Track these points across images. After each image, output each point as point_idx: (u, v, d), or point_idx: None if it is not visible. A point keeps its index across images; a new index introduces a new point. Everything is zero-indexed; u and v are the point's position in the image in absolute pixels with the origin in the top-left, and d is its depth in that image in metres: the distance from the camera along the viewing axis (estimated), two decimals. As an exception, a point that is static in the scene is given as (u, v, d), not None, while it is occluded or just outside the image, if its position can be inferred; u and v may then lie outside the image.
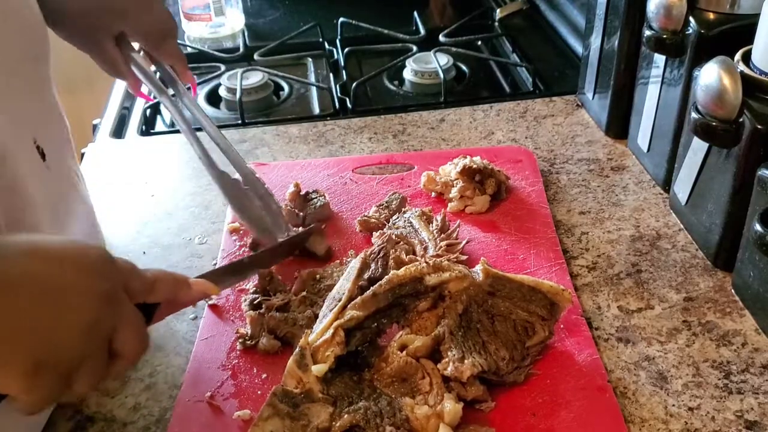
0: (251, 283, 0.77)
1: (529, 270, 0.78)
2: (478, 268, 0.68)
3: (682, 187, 0.84)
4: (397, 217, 0.84)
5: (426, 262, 0.66)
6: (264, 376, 0.68)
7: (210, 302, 0.76)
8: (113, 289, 0.48)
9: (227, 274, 0.70)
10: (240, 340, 0.71)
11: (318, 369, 0.60)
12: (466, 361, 0.62)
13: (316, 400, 0.59)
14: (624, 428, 0.62)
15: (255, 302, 0.74)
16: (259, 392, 0.66)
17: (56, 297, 0.44)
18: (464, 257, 0.79)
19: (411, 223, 0.82)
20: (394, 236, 0.79)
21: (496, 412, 0.63)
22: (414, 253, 0.78)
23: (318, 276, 0.76)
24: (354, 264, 0.68)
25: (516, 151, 0.98)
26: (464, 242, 0.81)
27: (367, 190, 0.92)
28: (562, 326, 0.71)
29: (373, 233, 0.82)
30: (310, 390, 0.60)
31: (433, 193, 0.91)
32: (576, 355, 0.69)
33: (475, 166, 0.88)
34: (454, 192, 0.88)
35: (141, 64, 0.83)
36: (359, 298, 0.64)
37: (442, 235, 0.80)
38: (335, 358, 0.61)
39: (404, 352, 0.63)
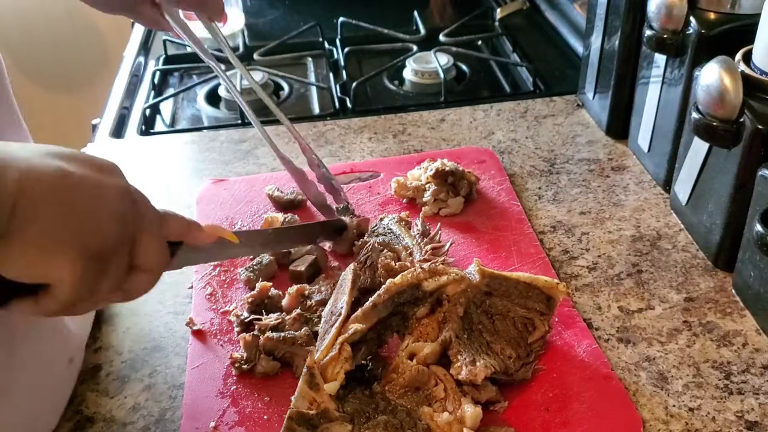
0: (237, 303, 0.75)
1: (514, 266, 0.79)
2: (472, 269, 0.68)
3: (682, 187, 0.83)
4: (376, 225, 0.83)
5: (422, 268, 0.65)
6: (267, 399, 0.66)
7: (195, 328, 0.73)
8: (134, 191, 0.51)
9: (248, 239, 0.67)
10: (235, 365, 0.68)
11: (330, 387, 0.59)
12: (478, 363, 0.62)
13: (334, 419, 0.58)
14: (635, 413, 0.63)
15: (246, 320, 0.72)
16: (265, 417, 0.64)
17: (94, 191, 0.48)
18: (451, 260, 0.79)
19: (391, 229, 0.81)
20: (376, 244, 0.77)
21: (510, 411, 0.64)
22: (400, 260, 0.76)
23: (306, 292, 0.74)
24: (346, 276, 0.68)
25: (478, 152, 0.98)
26: (449, 244, 0.80)
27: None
28: (557, 320, 0.71)
29: (354, 243, 0.80)
30: (326, 409, 0.58)
31: (404, 199, 0.90)
32: (576, 346, 0.69)
33: (447, 168, 0.87)
34: (427, 196, 0.88)
35: (181, 22, 0.84)
36: (359, 310, 0.63)
37: (426, 239, 0.79)
38: (345, 374, 0.60)
39: (414, 361, 0.63)
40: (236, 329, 0.72)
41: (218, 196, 0.92)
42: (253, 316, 0.73)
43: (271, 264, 0.79)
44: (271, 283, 0.76)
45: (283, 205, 0.89)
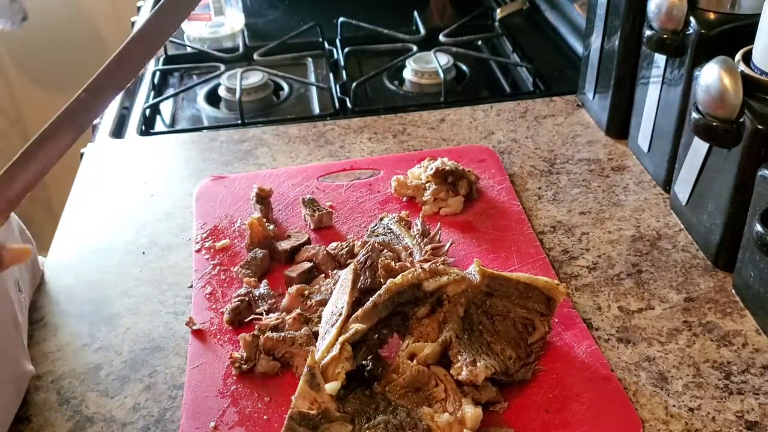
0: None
1: (514, 267, 0.79)
2: (473, 269, 0.68)
3: (682, 187, 0.84)
4: (375, 224, 0.83)
5: (422, 268, 0.65)
6: (267, 399, 0.66)
7: (195, 328, 0.73)
8: None
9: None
10: (235, 365, 0.68)
11: (331, 387, 0.59)
12: (478, 364, 0.62)
13: (335, 419, 0.58)
14: (635, 414, 0.63)
15: (236, 310, 0.72)
16: (265, 417, 0.64)
17: None
18: (451, 260, 0.78)
19: (391, 229, 0.81)
20: (376, 244, 0.77)
21: (510, 412, 0.64)
22: (400, 260, 0.76)
23: (306, 292, 0.74)
24: (346, 276, 0.68)
25: (479, 150, 0.98)
26: (449, 244, 0.80)
27: (337, 198, 0.91)
28: (557, 320, 0.71)
29: (355, 243, 0.80)
30: (326, 410, 0.58)
31: (404, 198, 0.90)
32: (575, 347, 0.69)
33: (447, 167, 0.87)
34: (427, 195, 0.88)
35: None
36: (360, 310, 0.63)
37: (425, 239, 0.79)
38: (345, 374, 0.60)
39: (414, 361, 0.63)
40: (227, 316, 0.73)
41: (217, 192, 0.92)
42: (253, 316, 0.73)
43: (264, 258, 0.80)
44: (254, 279, 0.77)
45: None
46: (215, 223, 0.88)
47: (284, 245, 0.81)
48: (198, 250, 0.84)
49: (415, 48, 1.30)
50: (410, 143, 1.04)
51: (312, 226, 0.86)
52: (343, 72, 1.26)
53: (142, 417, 0.66)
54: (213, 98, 1.23)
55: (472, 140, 1.03)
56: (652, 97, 0.91)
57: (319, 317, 0.69)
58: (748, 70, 0.72)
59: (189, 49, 1.37)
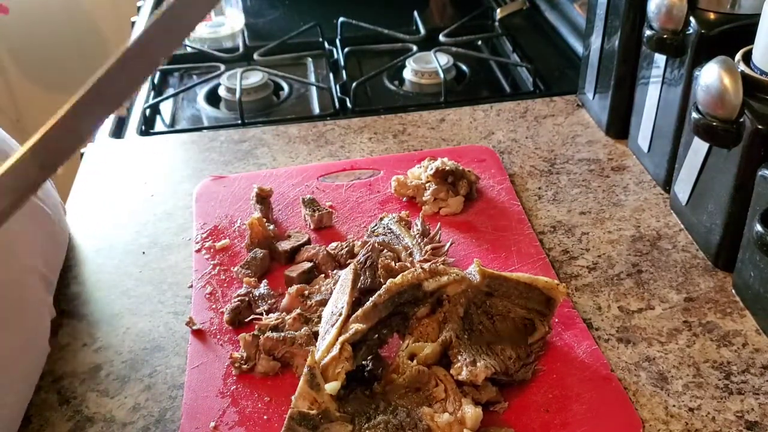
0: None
1: (514, 267, 0.79)
2: (473, 269, 0.68)
3: (682, 188, 0.84)
4: (376, 224, 0.83)
5: (422, 268, 0.65)
6: (267, 399, 0.66)
7: (195, 328, 0.73)
8: None
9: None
10: (235, 365, 0.68)
11: (331, 387, 0.59)
12: (478, 364, 0.62)
13: (335, 419, 0.58)
14: (635, 414, 0.63)
15: (236, 310, 0.73)
16: (265, 417, 0.64)
17: None
18: (451, 260, 0.78)
19: (391, 229, 0.81)
20: (376, 244, 0.77)
21: (510, 412, 0.64)
22: (400, 260, 0.76)
23: (306, 292, 0.74)
24: (346, 276, 0.68)
25: (479, 151, 0.98)
26: (449, 244, 0.80)
27: (337, 198, 0.91)
28: (557, 320, 0.71)
29: (355, 243, 0.80)
30: (326, 410, 0.58)
31: (404, 198, 0.90)
32: (575, 347, 0.69)
33: (447, 167, 0.87)
34: (427, 195, 0.88)
35: None
36: (360, 310, 0.63)
37: (425, 239, 0.79)
38: (345, 374, 0.60)
39: (414, 361, 0.63)
40: (227, 316, 0.73)
41: (218, 192, 0.92)
42: (253, 316, 0.73)
43: (264, 258, 0.80)
44: (254, 279, 0.77)
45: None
46: (215, 223, 0.88)
47: (284, 245, 0.81)
48: (198, 250, 0.84)
49: (415, 48, 1.30)
50: (410, 143, 1.04)
51: (312, 226, 0.86)
52: (343, 72, 1.26)
53: (142, 417, 0.66)
54: (213, 98, 1.23)
55: (472, 140, 1.03)
56: (652, 97, 0.91)
57: (319, 317, 0.69)
58: (748, 70, 0.72)
59: (189, 49, 1.37)
